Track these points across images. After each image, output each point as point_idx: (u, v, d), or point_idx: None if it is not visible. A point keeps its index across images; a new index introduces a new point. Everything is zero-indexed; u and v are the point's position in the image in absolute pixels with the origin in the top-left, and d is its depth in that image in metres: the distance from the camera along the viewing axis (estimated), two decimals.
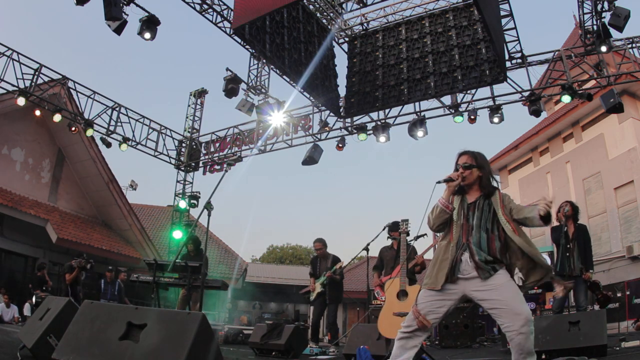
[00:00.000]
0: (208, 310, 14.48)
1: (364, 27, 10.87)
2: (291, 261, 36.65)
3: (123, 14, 7.88)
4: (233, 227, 65.32)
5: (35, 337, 3.20)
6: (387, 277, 5.94)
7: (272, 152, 12.10)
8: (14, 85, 9.50)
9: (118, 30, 7.90)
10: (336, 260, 7.08)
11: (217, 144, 13.17)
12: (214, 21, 9.46)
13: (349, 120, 10.87)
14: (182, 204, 12.85)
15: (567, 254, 5.32)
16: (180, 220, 13.16)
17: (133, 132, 11.92)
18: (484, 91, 9.54)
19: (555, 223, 5.89)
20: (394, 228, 5.79)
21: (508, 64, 9.40)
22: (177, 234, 12.54)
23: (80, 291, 8.47)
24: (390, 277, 5.80)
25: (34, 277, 10.12)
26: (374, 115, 10.47)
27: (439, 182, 2.78)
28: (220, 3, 9.40)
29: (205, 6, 9.24)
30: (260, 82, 10.07)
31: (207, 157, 13.35)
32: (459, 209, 2.76)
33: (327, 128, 11.19)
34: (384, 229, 5.90)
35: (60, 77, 10.81)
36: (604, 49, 8.75)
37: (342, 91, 10.62)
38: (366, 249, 6.08)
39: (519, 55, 9.57)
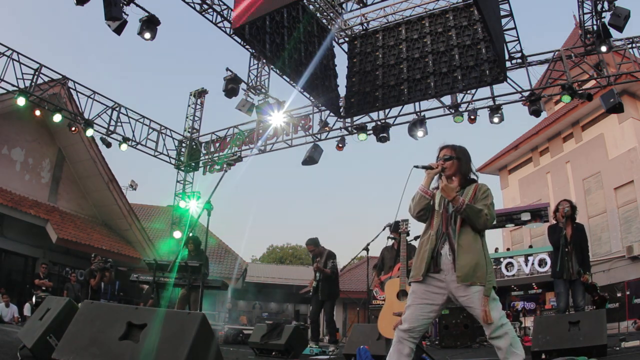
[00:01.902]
0: (208, 310, 14.48)
1: (364, 27, 10.87)
2: (291, 261, 36.67)
3: (123, 14, 7.88)
4: (233, 227, 65.34)
5: (35, 337, 3.20)
6: (386, 275, 5.94)
7: (272, 152, 12.11)
8: (14, 85, 9.50)
9: (118, 30, 7.91)
10: (331, 254, 7.07)
11: (217, 144, 13.18)
12: (214, 21, 9.45)
13: (349, 120, 10.87)
14: (182, 204, 12.85)
15: (566, 258, 5.31)
16: (180, 220, 13.17)
17: (133, 132, 11.92)
18: (484, 91, 9.55)
19: (552, 221, 5.88)
20: (395, 228, 5.78)
21: (508, 64, 9.39)
22: (177, 234, 12.55)
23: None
24: (390, 275, 5.80)
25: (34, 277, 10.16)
26: (374, 115, 10.47)
27: (416, 167, 2.79)
28: (220, 3, 9.40)
29: (205, 6, 9.24)
30: (260, 82, 10.07)
31: (207, 157, 13.35)
32: (440, 199, 2.76)
33: (327, 128, 11.18)
34: (384, 229, 5.89)
35: (60, 77, 10.80)
36: (604, 49, 8.75)
37: (342, 91, 10.62)
38: (366, 249, 6.08)
39: (519, 55, 9.57)
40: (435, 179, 2.84)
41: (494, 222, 2.73)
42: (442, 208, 2.74)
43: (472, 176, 2.85)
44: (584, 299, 5.33)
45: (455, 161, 2.80)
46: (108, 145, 11.27)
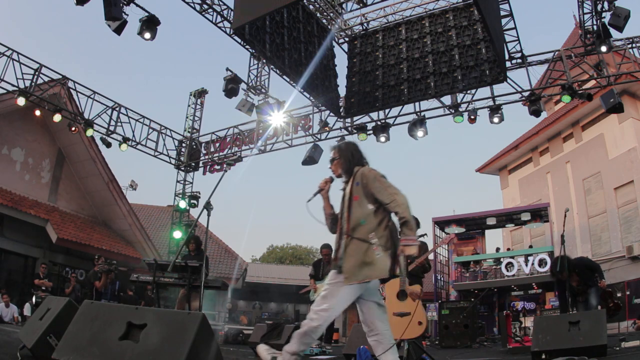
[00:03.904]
0: (208, 310, 14.47)
1: (364, 27, 10.87)
2: (291, 261, 36.61)
3: (123, 14, 7.88)
4: (233, 227, 65.36)
5: (35, 337, 3.19)
6: None
7: (272, 152, 12.11)
8: (14, 85, 9.50)
9: (118, 30, 7.91)
10: None
11: (217, 144, 13.18)
12: (214, 21, 9.46)
13: (349, 120, 10.88)
14: (182, 204, 12.85)
15: (578, 299, 5.40)
16: (180, 220, 13.17)
17: (133, 132, 11.93)
18: (484, 91, 9.57)
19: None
20: None
21: (508, 64, 9.39)
22: (177, 234, 12.55)
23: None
24: None
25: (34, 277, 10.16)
26: (374, 115, 10.47)
27: (309, 201, 2.94)
28: (220, 3, 9.40)
29: (205, 6, 9.25)
30: (260, 82, 10.08)
31: (207, 157, 13.35)
32: (342, 201, 2.87)
33: (327, 128, 11.19)
34: None
35: (60, 77, 10.81)
36: (604, 49, 8.75)
37: (342, 91, 10.63)
38: None
39: (519, 55, 9.57)
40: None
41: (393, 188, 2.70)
42: (344, 209, 2.82)
43: (357, 167, 2.87)
44: (598, 303, 5.35)
45: (338, 161, 2.94)
46: (108, 145, 11.27)
